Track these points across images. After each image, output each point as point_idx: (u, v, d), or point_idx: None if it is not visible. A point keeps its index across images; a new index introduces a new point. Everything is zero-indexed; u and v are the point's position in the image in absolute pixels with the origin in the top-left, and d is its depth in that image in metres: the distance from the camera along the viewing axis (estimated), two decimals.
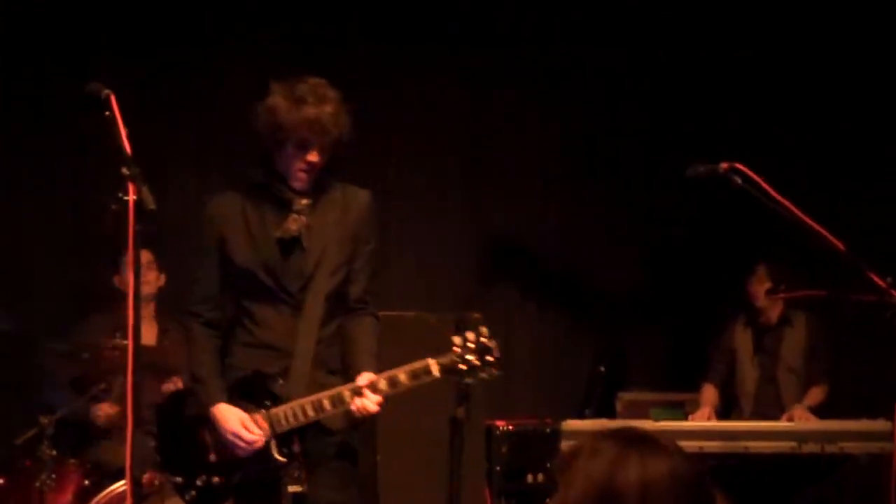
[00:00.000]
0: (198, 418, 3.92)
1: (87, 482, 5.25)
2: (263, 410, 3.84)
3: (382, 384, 3.74)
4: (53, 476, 5.08)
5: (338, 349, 3.99)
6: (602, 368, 6.73)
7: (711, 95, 7.38)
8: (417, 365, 3.70)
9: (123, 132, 3.15)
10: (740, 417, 6.27)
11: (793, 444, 5.34)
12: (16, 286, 6.33)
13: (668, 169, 4.74)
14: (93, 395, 5.51)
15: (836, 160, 6.96)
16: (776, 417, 5.92)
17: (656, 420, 5.84)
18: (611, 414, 6.49)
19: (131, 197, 3.06)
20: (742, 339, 6.49)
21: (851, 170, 6.90)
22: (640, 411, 6.49)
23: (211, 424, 3.89)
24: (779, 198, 3.68)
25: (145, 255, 5.90)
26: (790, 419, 5.89)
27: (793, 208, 3.73)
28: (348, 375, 3.87)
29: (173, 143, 6.93)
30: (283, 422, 3.81)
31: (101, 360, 5.29)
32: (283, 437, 3.82)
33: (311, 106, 3.80)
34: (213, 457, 3.91)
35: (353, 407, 3.75)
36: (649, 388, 6.96)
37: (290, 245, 3.92)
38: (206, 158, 7.09)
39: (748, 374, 6.41)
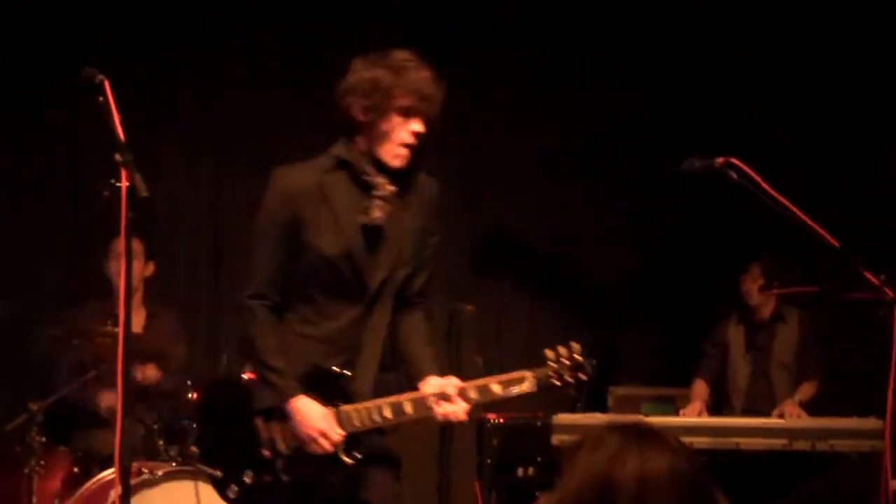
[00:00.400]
0: (252, 410, 3.64)
1: (76, 469, 5.25)
2: (332, 408, 3.56)
3: (473, 392, 3.53)
4: (42, 462, 5.07)
5: (388, 343, 3.73)
6: (594, 362, 6.72)
7: (708, 92, 7.38)
8: (512, 376, 3.50)
9: (117, 118, 3.14)
10: (731, 414, 6.27)
11: (784, 441, 5.34)
12: (10, 271, 6.33)
13: (665, 164, 4.72)
14: (84, 381, 5.50)
15: (831, 158, 6.97)
16: (767, 414, 5.93)
17: (646, 415, 5.83)
18: (602, 408, 6.48)
19: (124, 183, 3.04)
20: (734, 335, 6.49)
21: (847, 168, 6.91)
22: (632, 406, 6.49)
23: (275, 418, 3.60)
24: (774, 194, 3.68)
25: (133, 244, 5.88)
26: (781, 414, 5.90)
27: (788, 204, 3.72)
28: (407, 373, 3.68)
29: (163, 130, 6.95)
30: (357, 422, 3.55)
31: (93, 347, 5.29)
32: (350, 439, 3.56)
33: (415, 71, 3.54)
34: (265, 452, 3.62)
35: (436, 413, 3.53)
36: (641, 383, 6.97)
37: (374, 234, 3.60)
38: (198, 145, 7.11)
39: (740, 370, 6.42)
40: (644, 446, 2.00)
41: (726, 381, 6.48)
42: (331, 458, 3.54)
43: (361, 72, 3.55)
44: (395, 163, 3.57)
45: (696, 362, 6.60)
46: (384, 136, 3.55)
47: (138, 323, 6.01)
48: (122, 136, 3.11)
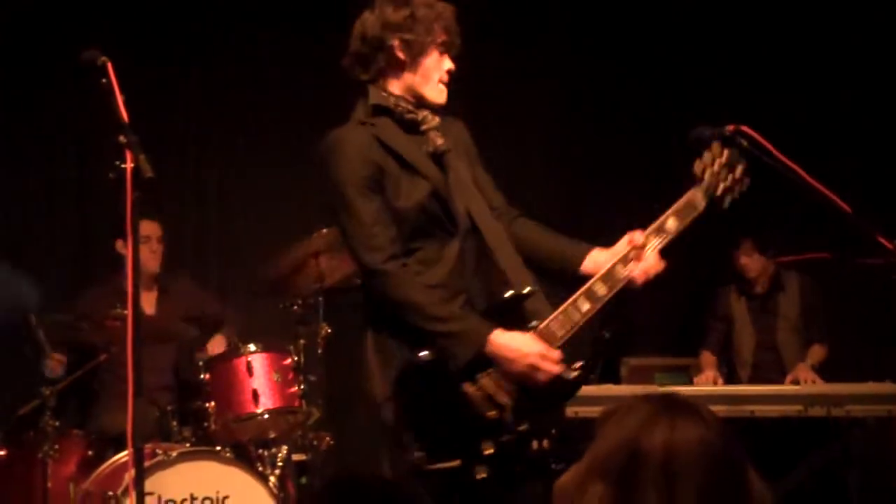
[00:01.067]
0: (453, 379, 3.22)
1: (90, 452, 5.26)
2: (530, 332, 3.27)
3: (653, 238, 3.37)
4: (56, 447, 5.08)
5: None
6: (606, 334, 6.70)
7: (712, 62, 7.36)
8: (681, 203, 3.40)
9: (120, 100, 3.12)
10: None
11: (799, 407, 5.30)
12: (16, 256, 6.32)
13: (672, 135, 4.69)
14: (94, 364, 5.51)
15: (838, 127, 6.95)
16: (776, 383, 5.92)
17: (660, 385, 5.81)
18: (615, 379, 6.47)
19: (129, 164, 3.03)
20: (737, 307, 6.49)
21: (853, 137, 6.90)
22: (645, 376, 6.48)
23: (480, 371, 3.23)
24: (785, 160, 3.63)
25: (152, 228, 5.91)
26: (795, 380, 5.88)
27: (800, 171, 3.68)
28: (561, 269, 3.47)
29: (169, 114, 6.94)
30: (559, 332, 3.28)
31: (103, 330, 5.29)
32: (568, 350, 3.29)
33: (444, 7, 3.46)
34: (490, 414, 3.23)
35: (634, 277, 3.34)
36: (654, 353, 6.96)
37: (442, 164, 3.44)
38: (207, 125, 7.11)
39: (745, 342, 6.42)
40: (674, 415, 1.98)
41: (732, 354, 6.47)
42: (555, 383, 3.26)
43: (397, 9, 3.43)
44: (440, 99, 3.48)
45: (700, 336, 6.60)
46: (427, 73, 3.45)
47: (150, 303, 6.01)
48: (125, 117, 3.09)
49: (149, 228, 5.90)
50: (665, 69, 7.45)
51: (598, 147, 7.43)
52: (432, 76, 3.45)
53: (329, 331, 5.64)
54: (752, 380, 6.25)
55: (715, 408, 5.35)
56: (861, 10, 6.95)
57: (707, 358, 6.46)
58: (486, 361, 3.22)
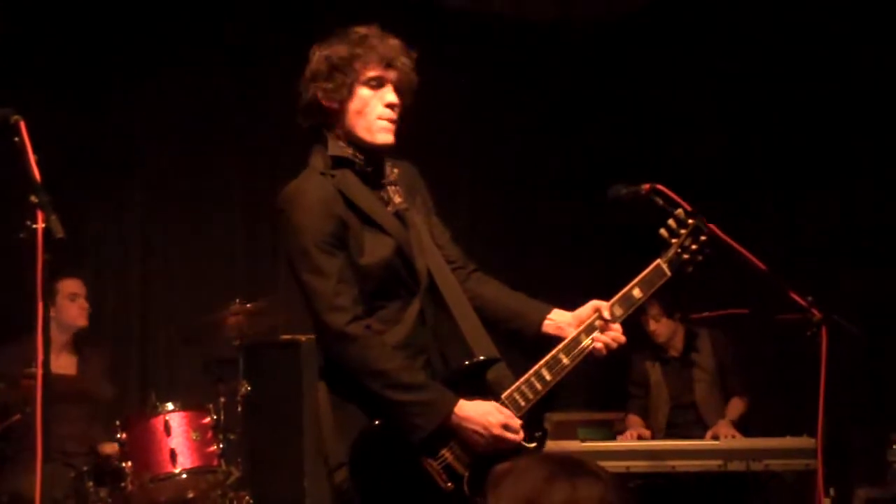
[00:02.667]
0: (413, 450, 3.12)
1: None
2: (493, 401, 3.19)
3: (618, 309, 3.31)
4: None
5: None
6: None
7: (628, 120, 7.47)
8: (647, 272, 3.35)
9: (32, 159, 3.08)
10: None
11: (719, 462, 5.34)
12: None
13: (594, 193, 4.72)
14: (8, 425, 5.40)
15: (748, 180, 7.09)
16: (697, 440, 5.95)
17: (583, 440, 5.82)
18: None
19: (40, 225, 2.98)
20: (653, 372, 6.51)
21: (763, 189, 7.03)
22: (568, 431, 6.47)
23: (439, 443, 3.13)
24: (716, 230, 3.67)
25: (77, 286, 5.89)
26: (715, 436, 5.92)
27: (716, 230, 3.72)
28: (518, 330, 3.39)
29: (89, 168, 6.88)
30: (522, 401, 3.21)
31: (18, 390, 5.20)
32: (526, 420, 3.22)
33: (376, 39, 3.24)
34: (448, 486, 3.14)
35: (596, 349, 3.28)
36: (576, 408, 6.97)
37: (403, 222, 3.31)
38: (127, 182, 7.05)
39: (660, 407, 6.44)
40: (573, 475, 1.96)
41: (649, 418, 6.50)
42: (511, 453, 3.14)
43: (318, 55, 3.28)
44: (380, 139, 3.27)
45: (621, 391, 6.64)
46: (358, 115, 3.26)
47: (71, 364, 5.95)
48: (38, 176, 3.05)
49: (74, 286, 5.91)
50: (586, 130, 7.56)
51: (525, 207, 7.49)
52: (365, 117, 3.26)
53: (248, 388, 5.61)
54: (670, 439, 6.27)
55: (636, 463, 5.44)
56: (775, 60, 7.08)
57: (633, 420, 6.48)
58: (447, 431, 3.13)
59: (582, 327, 3.31)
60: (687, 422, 6.36)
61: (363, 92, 3.25)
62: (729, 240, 3.73)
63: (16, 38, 6.61)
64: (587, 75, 7.78)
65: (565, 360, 3.27)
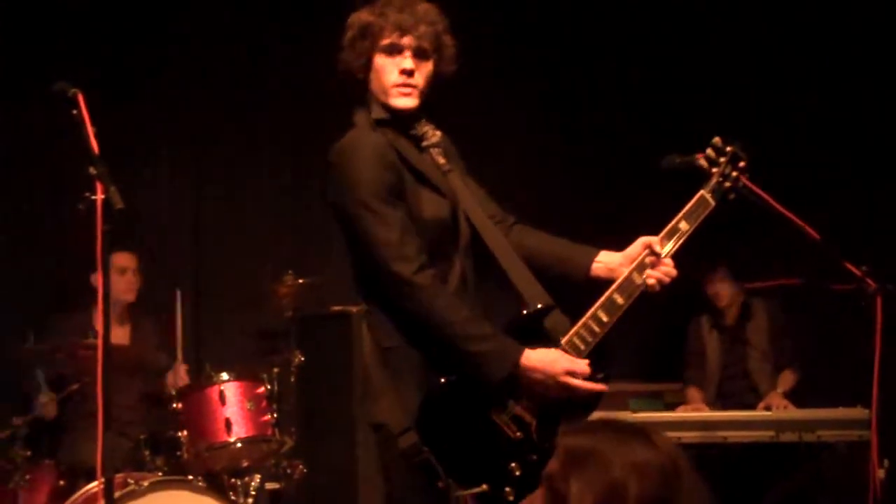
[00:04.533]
0: (480, 401, 3.13)
1: (62, 482, 5.23)
2: (556, 348, 3.19)
3: (666, 243, 3.33)
4: (27, 477, 5.07)
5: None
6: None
7: (688, 85, 7.41)
8: (691, 204, 3.36)
9: (91, 131, 3.12)
10: None
11: (771, 433, 5.33)
12: None
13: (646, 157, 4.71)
14: (67, 394, 5.49)
15: (805, 152, 7.01)
16: (750, 409, 5.94)
17: (634, 411, 5.83)
18: None
19: (99, 196, 3.02)
20: (709, 340, 6.50)
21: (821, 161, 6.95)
22: (619, 402, 6.47)
23: (506, 394, 3.14)
24: (755, 189, 3.66)
25: (128, 259, 5.95)
26: (767, 407, 5.90)
27: (769, 199, 3.71)
28: (568, 273, 3.41)
29: (143, 143, 6.93)
30: (582, 345, 3.21)
31: (76, 360, 5.27)
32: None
33: (397, 7, 3.28)
34: (516, 434, 3.16)
35: (649, 285, 3.29)
36: (628, 379, 6.96)
37: (449, 182, 3.33)
38: (178, 157, 7.11)
39: (715, 374, 6.43)
40: (628, 437, 2.03)
41: (709, 385, 6.49)
42: (578, 398, 3.17)
43: (348, 24, 3.35)
44: (398, 103, 3.29)
45: (672, 362, 6.63)
46: (380, 83, 3.30)
47: (124, 335, 6.02)
48: (96, 148, 3.09)
49: (125, 260, 5.97)
50: (642, 90, 7.50)
51: (575, 164, 7.47)
52: (385, 84, 3.30)
53: (302, 359, 5.65)
54: (725, 409, 6.26)
55: (688, 434, 5.44)
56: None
57: (693, 394, 6.47)
58: (513, 381, 3.12)
59: (633, 265, 3.32)
60: (739, 390, 6.35)
61: (379, 59, 3.30)
62: (783, 209, 3.72)
63: (63, 11, 6.67)
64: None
65: (620, 300, 3.27)
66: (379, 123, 3.30)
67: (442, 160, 3.34)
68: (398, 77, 3.28)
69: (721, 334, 6.50)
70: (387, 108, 3.32)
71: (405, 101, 3.30)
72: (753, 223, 4.33)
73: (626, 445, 1.99)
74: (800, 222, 3.79)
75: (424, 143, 3.35)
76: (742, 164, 3.46)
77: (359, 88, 3.36)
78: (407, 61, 3.29)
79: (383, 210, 3.13)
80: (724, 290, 6.41)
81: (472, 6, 7.23)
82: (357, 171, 3.17)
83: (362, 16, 3.32)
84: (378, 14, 3.29)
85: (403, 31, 3.28)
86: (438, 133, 3.38)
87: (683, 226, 3.37)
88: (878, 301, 3.88)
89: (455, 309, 3.11)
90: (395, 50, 3.29)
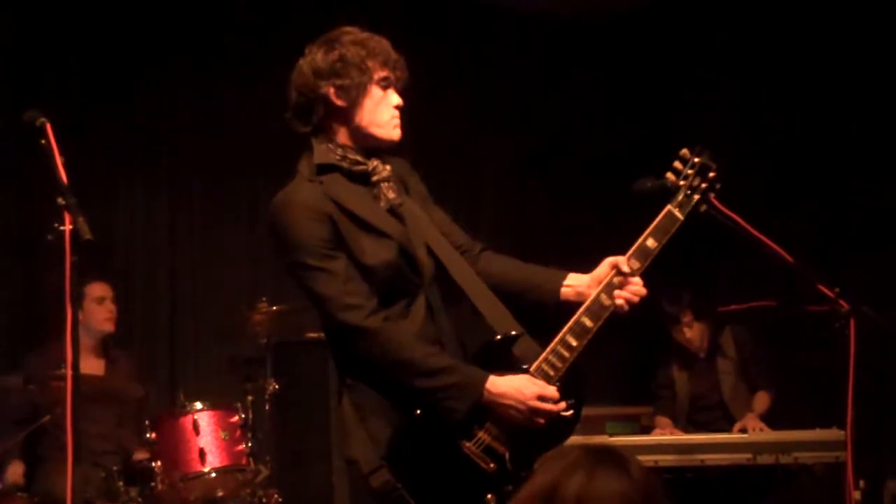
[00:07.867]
0: (451, 435, 3.11)
1: None
2: (523, 373, 3.16)
3: (634, 262, 3.27)
4: None
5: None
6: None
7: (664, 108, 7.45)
8: (659, 220, 3.31)
9: (59, 161, 3.10)
10: None
11: (748, 455, 5.32)
12: None
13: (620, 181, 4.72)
14: (39, 426, 5.45)
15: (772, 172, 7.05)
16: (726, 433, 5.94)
17: (611, 434, 5.82)
18: None
19: (67, 227, 3.00)
20: (679, 377, 6.47)
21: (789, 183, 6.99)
22: (596, 426, 6.47)
23: (475, 424, 3.11)
24: (727, 211, 3.65)
25: (104, 289, 5.92)
26: (743, 429, 5.90)
27: (741, 221, 3.71)
28: (538, 297, 3.37)
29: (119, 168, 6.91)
30: (552, 371, 3.17)
31: (48, 391, 5.23)
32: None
33: (376, 41, 3.27)
34: (490, 466, 3.12)
35: (619, 307, 3.24)
36: (605, 403, 6.95)
37: (399, 217, 3.27)
38: (154, 184, 7.08)
39: (688, 408, 6.41)
40: (595, 466, 1.97)
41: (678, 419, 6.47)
42: (550, 424, 3.15)
43: (325, 54, 3.26)
44: (394, 136, 3.28)
45: (651, 402, 6.61)
46: (373, 114, 3.25)
47: (99, 366, 5.99)
48: (64, 178, 3.07)
49: (101, 290, 5.94)
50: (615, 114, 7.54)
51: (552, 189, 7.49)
52: (381, 115, 3.27)
53: (277, 387, 5.63)
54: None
55: (665, 457, 5.43)
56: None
57: (662, 421, 6.44)
58: (481, 411, 3.11)
59: (601, 287, 3.27)
60: (714, 418, 6.33)
61: (377, 91, 3.26)
62: (756, 232, 3.72)
63: (38, 39, 6.65)
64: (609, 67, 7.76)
65: (589, 323, 3.23)
66: (322, 170, 3.24)
67: (392, 195, 3.28)
68: (394, 111, 3.28)
69: (690, 370, 6.46)
70: (367, 140, 3.28)
71: (399, 133, 3.31)
72: (724, 245, 4.33)
73: (596, 479, 1.96)
74: (773, 245, 3.79)
75: (374, 178, 3.29)
76: (712, 174, 3.40)
77: (320, 121, 3.28)
78: (396, 98, 3.29)
79: (322, 265, 3.12)
80: (692, 334, 6.37)
81: (446, 33, 7.31)
82: (289, 231, 3.16)
83: (345, 49, 3.24)
84: (362, 46, 3.26)
85: (395, 67, 3.29)
86: (388, 167, 3.32)
87: (651, 243, 3.31)
88: (852, 322, 3.88)
89: (411, 347, 3.10)
90: (389, 83, 3.29)
